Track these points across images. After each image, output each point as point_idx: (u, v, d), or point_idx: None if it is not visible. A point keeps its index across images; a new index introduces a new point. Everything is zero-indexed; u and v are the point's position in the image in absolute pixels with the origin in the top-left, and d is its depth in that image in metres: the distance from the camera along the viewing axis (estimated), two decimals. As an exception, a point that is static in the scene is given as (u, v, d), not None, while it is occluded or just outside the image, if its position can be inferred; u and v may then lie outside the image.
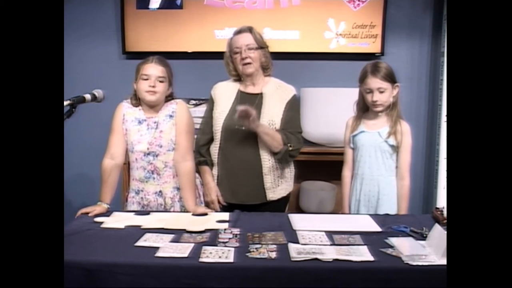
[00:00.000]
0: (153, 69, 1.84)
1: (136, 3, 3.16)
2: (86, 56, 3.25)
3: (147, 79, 1.83)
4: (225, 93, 2.11)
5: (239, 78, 2.12)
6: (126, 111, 1.89)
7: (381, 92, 1.94)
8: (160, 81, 1.85)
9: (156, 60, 1.87)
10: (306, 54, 3.19)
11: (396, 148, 1.96)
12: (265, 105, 2.05)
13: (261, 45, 2.05)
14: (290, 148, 2.02)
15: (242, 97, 2.08)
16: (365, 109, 2.04)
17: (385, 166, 1.98)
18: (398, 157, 1.98)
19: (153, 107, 1.89)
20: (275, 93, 2.08)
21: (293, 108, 2.10)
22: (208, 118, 2.12)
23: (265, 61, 2.07)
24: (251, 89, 2.10)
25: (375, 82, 1.93)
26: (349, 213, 2.04)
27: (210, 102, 2.15)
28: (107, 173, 1.86)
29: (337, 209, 2.99)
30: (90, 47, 3.25)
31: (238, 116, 1.87)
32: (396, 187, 1.99)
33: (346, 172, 2.08)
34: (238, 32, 2.07)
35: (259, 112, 2.03)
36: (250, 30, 2.06)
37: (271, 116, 2.03)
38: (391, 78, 1.95)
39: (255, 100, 2.06)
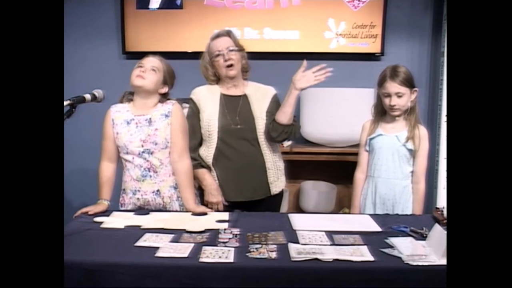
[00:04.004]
0: (149, 60, 1.89)
1: (136, 3, 3.17)
2: (86, 56, 3.25)
3: (141, 66, 1.87)
4: (207, 97, 2.11)
5: (217, 82, 2.14)
6: (114, 115, 1.90)
7: (399, 96, 1.94)
8: (152, 70, 1.87)
9: (155, 55, 1.93)
10: (306, 54, 3.18)
11: (413, 153, 1.97)
12: (253, 103, 2.09)
13: (240, 48, 2.10)
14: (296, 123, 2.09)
15: (227, 100, 2.10)
16: (382, 113, 2.04)
17: (401, 169, 1.98)
18: (415, 161, 1.98)
19: (143, 98, 1.88)
20: (257, 93, 2.13)
21: (276, 102, 2.13)
22: (194, 123, 2.10)
23: (245, 63, 2.12)
24: (233, 92, 2.12)
25: (393, 87, 1.93)
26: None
27: (192, 107, 2.13)
28: (106, 176, 1.89)
29: (337, 209, 3.00)
30: (90, 47, 3.25)
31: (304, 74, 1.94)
32: (412, 191, 1.99)
33: (359, 174, 2.09)
34: (217, 36, 2.10)
35: (249, 109, 2.07)
36: (228, 33, 2.10)
37: (261, 111, 2.08)
38: (409, 82, 1.95)
39: (239, 101, 2.09)
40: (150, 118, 1.87)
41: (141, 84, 1.86)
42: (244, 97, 2.11)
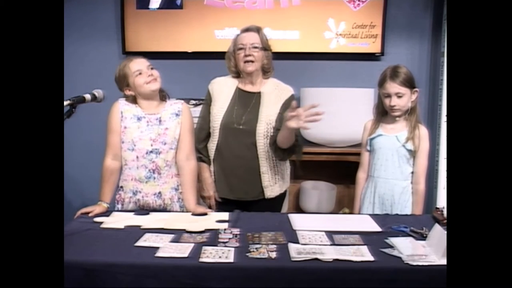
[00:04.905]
0: (139, 63, 1.86)
1: (136, 3, 3.17)
2: (86, 56, 3.25)
3: (141, 73, 1.83)
4: (223, 90, 2.12)
5: (237, 75, 2.14)
6: (124, 108, 1.87)
7: (399, 97, 1.93)
8: (152, 68, 1.87)
9: (135, 57, 1.89)
10: (306, 54, 3.19)
11: (413, 153, 1.96)
12: (263, 104, 2.07)
13: (266, 47, 2.08)
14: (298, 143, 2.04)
15: (240, 95, 2.09)
16: (383, 113, 2.03)
17: (401, 170, 1.98)
18: (415, 161, 1.98)
19: (151, 99, 1.87)
20: (273, 93, 2.10)
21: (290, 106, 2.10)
22: (206, 114, 2.13)
23: (267, 63, 2.09)
24: (249, 88, 2.11)
25: (393, 87, 1.92)
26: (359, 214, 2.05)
27: (207, 98, 2.15)
28: (109, 174, 1.86)
29: (337, 209, 3.00)
30: (90, 47, 3.25)
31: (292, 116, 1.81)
32: (411, 191, 1.99)
33: (361, 174, 2.09)
34: (246, 30, 2.09)
35: (257, 110, 2.06)
36: (258, 30, 2.09)
37: (268, 115, 2.05)
38: (410, 83, 1.94)
39: (253, 98, 2.08)
40: (160, 117, 1.87)
41: (158, 86, 1.86)
42: (258, 95, 2.09)
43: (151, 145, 1.84)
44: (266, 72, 2.12)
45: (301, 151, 2.09)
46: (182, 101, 1.96)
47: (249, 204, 2.06)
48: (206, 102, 2.15)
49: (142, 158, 1.84)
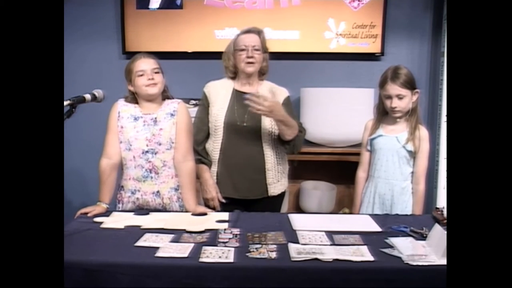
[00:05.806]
0: (145, 64, 1.85)
1: (136, 3, 3.17)
2: (86, 56, 3.25)
3: (143, 75, 1.83)
4: (219, 91, 2.13)
5: (234, 75, 2.15)
6: (122, 109, 1.88)
7: (400, 98, 1.93)
8: (156, 72, 1.86)
9: (144, 55, 1.89)
10: (306, 54, 3.19)
11: (413, 154, 1.97)
12: None
13: (265, 50, 2.11)
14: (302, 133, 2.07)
15: (238, 96, 2.10)
16: (384, 113, 2.04)
17: (401, 170, 1.98)
18: (415, 162, 1.98)
19: (151, 101, 1.88)
20: (270, 93, 2.10)
21: (288, 105, 2.12)
22: (203, 116, 2.13)
23: (265, 65, 2.13)
24: (246, 89, 2.11)
25: (394, 89, 1.92)
26: (359, 213, 2.06)
27: (204, 101, 2.16)
28: (106, 174, 1.85)
29: (337, 209, 3.00)
30: (90, 47, 3.25)
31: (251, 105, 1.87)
32: (411, 192, 2.00)
33: (361, 173, 2.10)
34: (247, 31, 2.10)
35: None
36: (258, 32, 2.10)
37: None
38: (410, 84, 1.94)
39: None
40: (155, 118, 1.86)
41: (156, 92, 1.85)
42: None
43: (147, 145, 1.84)
44: (263, 74, 2.15)
45: (301, 141, 2.11)
46: (179, 100, 1.94)
47: (253, 202, 2.07)
48: (203, 104, 2.15)
49: (139, 158, 1.84)
